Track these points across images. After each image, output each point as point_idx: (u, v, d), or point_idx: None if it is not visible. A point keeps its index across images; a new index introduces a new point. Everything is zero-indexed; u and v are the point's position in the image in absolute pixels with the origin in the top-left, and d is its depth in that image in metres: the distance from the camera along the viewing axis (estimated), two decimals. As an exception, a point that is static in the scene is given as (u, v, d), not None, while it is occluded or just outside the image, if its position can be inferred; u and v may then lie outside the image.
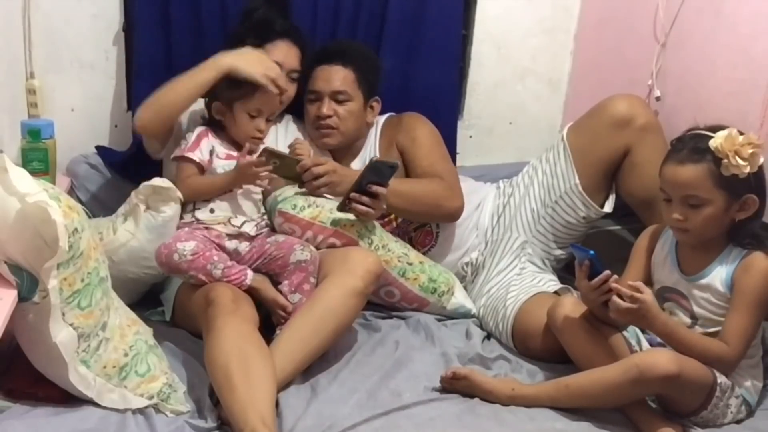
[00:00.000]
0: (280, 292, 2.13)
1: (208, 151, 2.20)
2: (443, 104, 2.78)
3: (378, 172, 2.25)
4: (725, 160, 1.82)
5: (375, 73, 2.54)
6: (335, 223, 2.28)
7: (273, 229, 2.28)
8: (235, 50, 2.25)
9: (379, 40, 2.70)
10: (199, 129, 2.24)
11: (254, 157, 2.17)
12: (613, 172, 2.45)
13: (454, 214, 2.50)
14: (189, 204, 2.20)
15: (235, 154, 2.21)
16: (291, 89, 2.45)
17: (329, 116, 2.45)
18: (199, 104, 2.32)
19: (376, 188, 2.25)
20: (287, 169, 2.24)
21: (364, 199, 2.25)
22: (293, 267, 2.14)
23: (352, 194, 2.25)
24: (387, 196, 2.28)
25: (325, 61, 2.47)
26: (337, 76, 2.46)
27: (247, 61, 2.21)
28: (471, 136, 2.99)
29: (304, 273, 2.13)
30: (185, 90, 2.21)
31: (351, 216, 2.28)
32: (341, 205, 2.26)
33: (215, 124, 2.24)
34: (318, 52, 2.52)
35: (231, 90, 2.19)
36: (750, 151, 1.81)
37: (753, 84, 2.19)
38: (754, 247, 1.90)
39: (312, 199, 2.30)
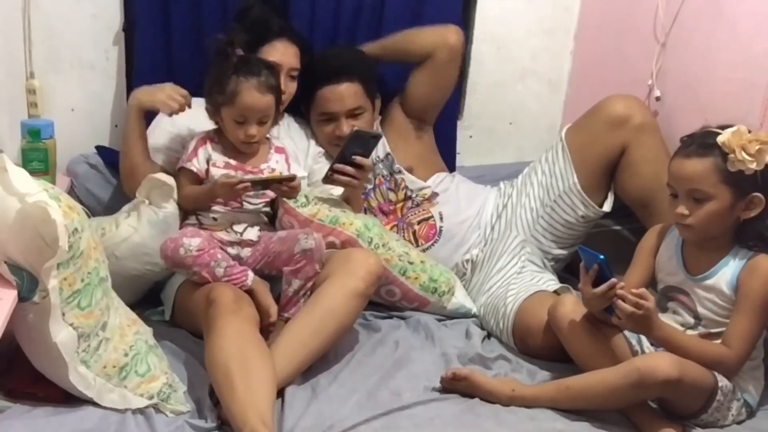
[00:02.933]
0: (281, 286, 2.13)
1: (205, 160, 2.18)
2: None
3: (361, 142, 2.28)
4: (731, 155, 1.81)
5: (374, 74, 2.55)
6: (334, 221, 2.29)
7: (273, 227, 2.29)
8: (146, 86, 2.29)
9: (378, 40, 2.69)
10: (199, 136, 2.22)
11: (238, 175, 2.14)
12: (611, 171, 2.46)
13: (455, 43, 2.53)
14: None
15: (234, 163, 2.19)
16: (291, 88, 2.45)
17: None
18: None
19: (359, 159, 2.27)
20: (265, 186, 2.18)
21: (348, 169, 2.27)
22: (299, 256, 2.12)
23: (336, 165, 2.27)
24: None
25: (331, 81, 2.45)
26: (348, 94, 2.45)
27: (149, 91, 2.25)
28: (471, 136, 2.98)
29: (309, 261, 2.12)
30: (128, 148, 2.29)
31: (337, 188, 2.31)
32: (326, 177, 2.29)
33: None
34: (319, 72, 2.47)
35: (217, 94, 2.16)
36: (757, 147, 1.80)
37: (753, 84, 2.18)
38: (760, 249, 1.89)
39: (312, 196, 2.30)
